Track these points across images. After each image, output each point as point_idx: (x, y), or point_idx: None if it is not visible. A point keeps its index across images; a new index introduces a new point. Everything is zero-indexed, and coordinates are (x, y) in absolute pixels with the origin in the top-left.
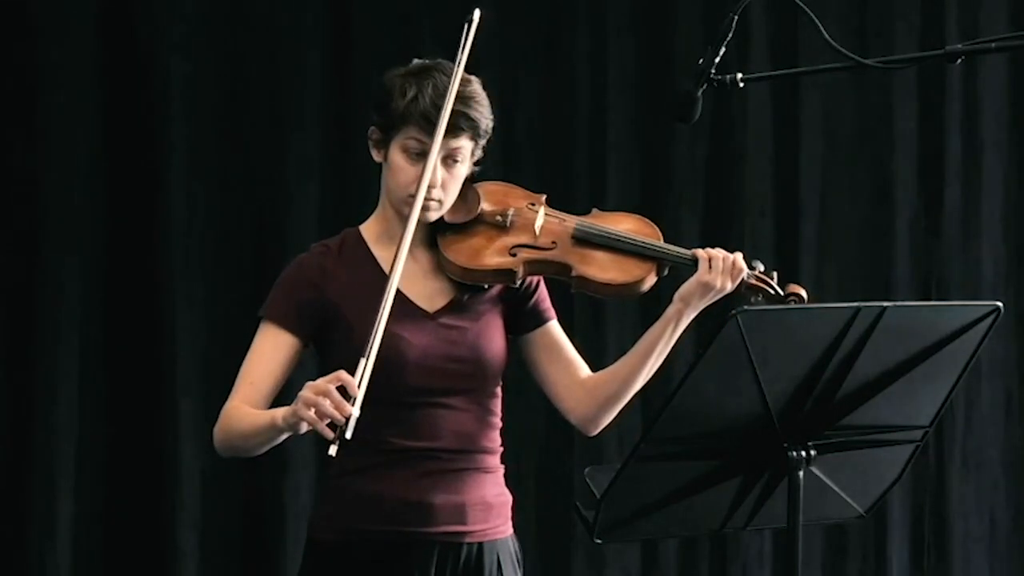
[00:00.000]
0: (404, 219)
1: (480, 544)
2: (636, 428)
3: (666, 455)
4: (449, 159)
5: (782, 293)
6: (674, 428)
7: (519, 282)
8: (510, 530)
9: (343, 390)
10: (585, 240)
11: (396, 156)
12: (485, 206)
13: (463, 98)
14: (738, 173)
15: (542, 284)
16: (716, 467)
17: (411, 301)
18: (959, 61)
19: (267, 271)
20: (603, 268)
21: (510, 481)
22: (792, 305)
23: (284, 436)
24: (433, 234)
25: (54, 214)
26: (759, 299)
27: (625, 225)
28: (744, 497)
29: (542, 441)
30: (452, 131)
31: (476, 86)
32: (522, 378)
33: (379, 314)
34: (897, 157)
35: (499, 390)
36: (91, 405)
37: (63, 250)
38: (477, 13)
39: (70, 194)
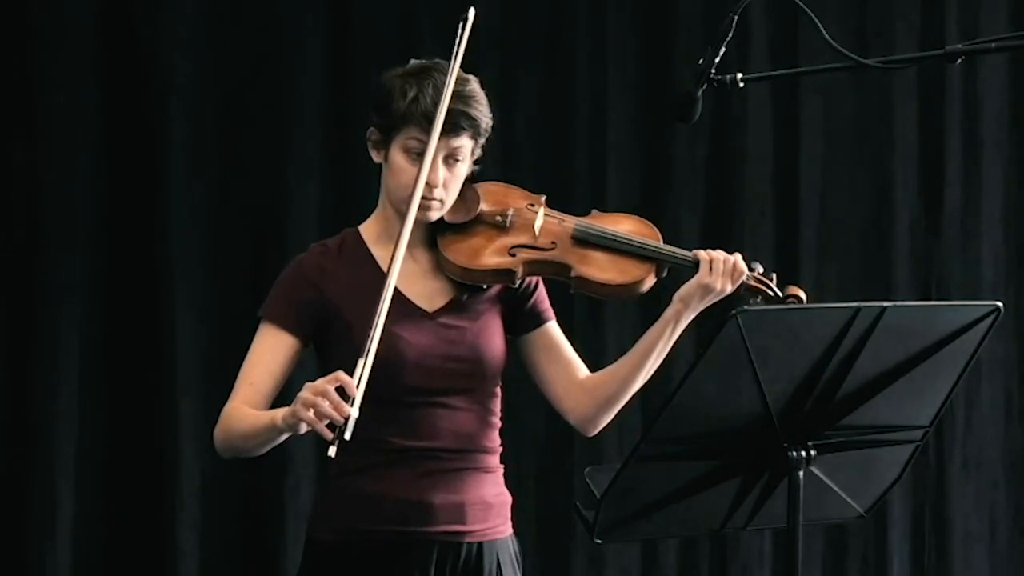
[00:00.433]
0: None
1: (480, 544)
2: (636, 428)
3: (666, 455)
4: (450, 158)
5: (781, 295)
6: (674, 428)
7: (518, 282)
8: (510, 530)
9: (342, 391)
10: (584, 241)
11: (397, 156)
12: (485, 206)
13: (463, 97)
14: (738, 173)
15: (541, 284)
16: (716, 467)
17: (410, 301)
18: (959, 61)
19: (267, 271)
20: (602, 269)
21: (510, 481)
22: (792, 305)
23: (284, 437)
24: (433, 234)
25: (54, 214)
26: (758, 301)
27: (625, 226)
28: (744, 497)
29: (542, 441)
30: (453, 130)
31: (475, 85)
32: (522, 378)
33: (377, 314)
34: (897, 157)
35: (499, 390)
36: (91, 405)
37: (63, 250)
38: (472, 12)
39: (70, 194)
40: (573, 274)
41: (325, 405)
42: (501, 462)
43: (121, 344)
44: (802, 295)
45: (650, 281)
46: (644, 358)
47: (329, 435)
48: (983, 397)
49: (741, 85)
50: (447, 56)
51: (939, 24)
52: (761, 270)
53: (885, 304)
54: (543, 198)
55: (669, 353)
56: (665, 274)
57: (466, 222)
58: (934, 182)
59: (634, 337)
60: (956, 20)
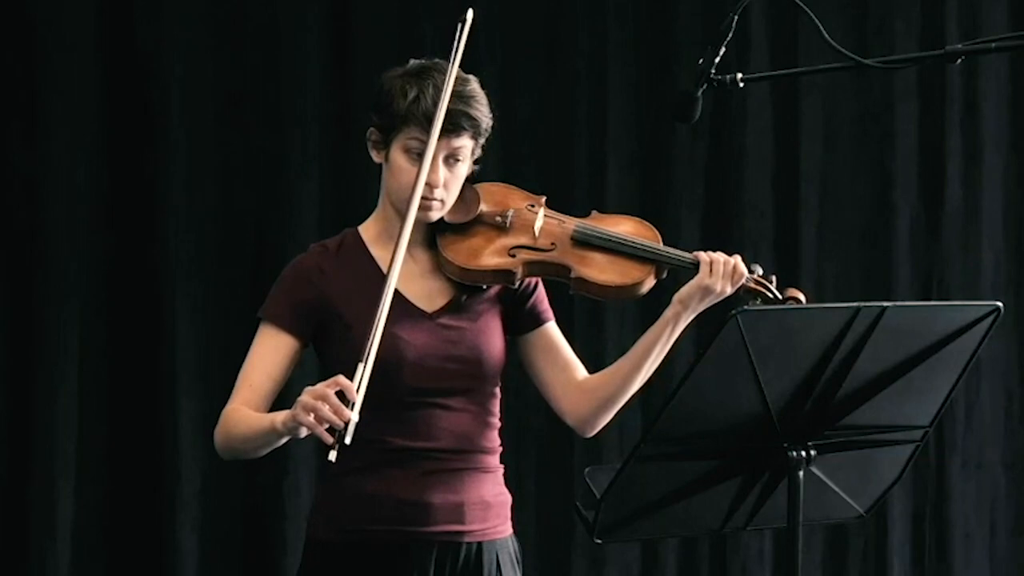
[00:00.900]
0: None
1: (479, 544)
2: (636, 428)
3: (666, 455)
4: (451, 158)
5: (780, 297)
6: (674, 428)
7: (518, 283)
8: (509, 530)
9: (342, 395)
10: (584, 242)
11: (398, 157)
12: (484, 207)
13: (463, 97)
14: (738, 173)
15: (540, 285)
16: (716, 467)
17: (410, 301)
18: (959, 61)
19: (267, 271)
20: (602, 270)
21: (510, 481)
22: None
23: (284, 440)
24: (432, 234)
25: (54, 214)
26: (758, 303)
27: (624, 227)
28: (744, 497)
29: (542, 441)
30: (454, 130)
31: (474, 85)
32: (522, 378)
33: (377, 314)
34: (897, 157)
35: (498, 390)
36: (91, 405)
37: (63, 250)
38: (471, 13)
39: (70, 194)
40: (573, 275)
41: (325, 409)
42: (501, 462)
43: (121, 344)
44: (801, 298)
45: (650, 282)
46: (643, 359)
47: (329, 439)
48: (983, 397)
49: (741, 85)
50: (447, 56)
51: (939, 24)
52: (761, 272)
53: (885, 304)
54: (543, 199)
55: (669, 353)
56: (665, 275)
57: (466, 222)
58: (934, 182)
59: (634, 338)
60: (956, 20)
